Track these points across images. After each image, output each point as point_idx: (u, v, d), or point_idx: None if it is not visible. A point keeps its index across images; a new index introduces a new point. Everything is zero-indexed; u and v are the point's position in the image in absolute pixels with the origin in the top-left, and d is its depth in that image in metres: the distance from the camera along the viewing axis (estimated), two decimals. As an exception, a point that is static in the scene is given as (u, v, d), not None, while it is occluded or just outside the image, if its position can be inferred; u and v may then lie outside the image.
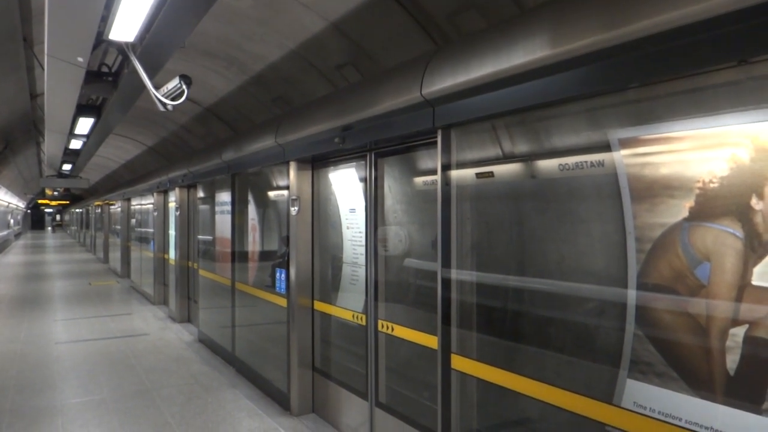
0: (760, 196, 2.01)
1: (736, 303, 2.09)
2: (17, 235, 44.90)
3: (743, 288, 2.07)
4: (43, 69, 4.81)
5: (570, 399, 2.75)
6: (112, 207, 21.34)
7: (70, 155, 10.80)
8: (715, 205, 2.16)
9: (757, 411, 2.02)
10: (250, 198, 7.15)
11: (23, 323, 9.96)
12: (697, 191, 2.22)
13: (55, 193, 30.18)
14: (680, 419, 2.26)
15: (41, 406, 5.77)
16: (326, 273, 5.51)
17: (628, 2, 2.27)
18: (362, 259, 4.77)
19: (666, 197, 2.34)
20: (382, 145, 4.46)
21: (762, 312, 2.01)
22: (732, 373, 2.11)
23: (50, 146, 9.55)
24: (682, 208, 2.27)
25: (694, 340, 2.24)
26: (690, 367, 2.26)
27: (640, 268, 2.45)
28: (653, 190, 2.39)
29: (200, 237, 9.26)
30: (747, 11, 1.88)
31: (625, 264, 2.51)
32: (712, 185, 2.17)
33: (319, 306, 5.50)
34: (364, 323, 4.69)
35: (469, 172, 3.47)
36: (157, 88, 4.45)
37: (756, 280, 2.03)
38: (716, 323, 2.17)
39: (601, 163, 2.66)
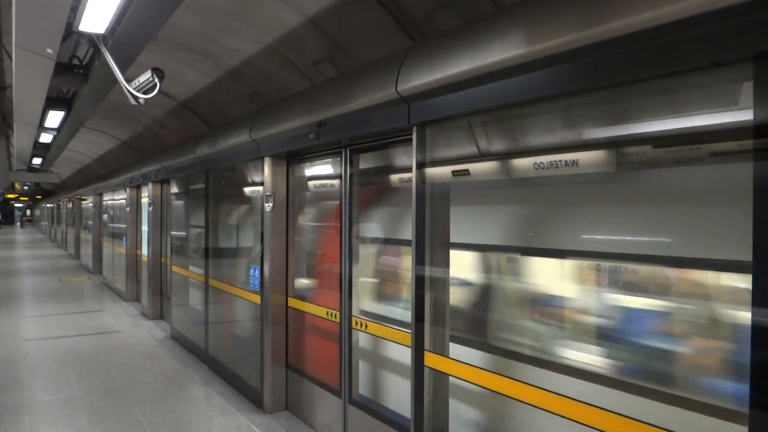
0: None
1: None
2: (-15, 231, 43.93)
3: None
4: (11, 60, 4.69)
5: (543, 397, 2.77)
6: (84, 202, 20.98)
7: (40, 149, 10.59)
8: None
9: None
10: (224, 194, 7.08)
11: (-10, 320, 9.75)
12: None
13: (25, 188, 29.62)
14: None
15: (8, 404, 5.63)
16: (301, 270, 5.47)
17: (603, 2, 2.29)
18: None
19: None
20: (357, 142, 4.44)
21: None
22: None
23: (20, 140, 9.35)
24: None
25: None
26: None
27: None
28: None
29: (173, 233, 9.14)
30: (717, 13, 1.91)
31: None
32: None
33: (294, 303, 5.46)
34: (337, 320, 4.67)
35: (444, 170, 3.46)
36: (129, 81, 4.38)
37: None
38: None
39: (575, 163, 2.67)
